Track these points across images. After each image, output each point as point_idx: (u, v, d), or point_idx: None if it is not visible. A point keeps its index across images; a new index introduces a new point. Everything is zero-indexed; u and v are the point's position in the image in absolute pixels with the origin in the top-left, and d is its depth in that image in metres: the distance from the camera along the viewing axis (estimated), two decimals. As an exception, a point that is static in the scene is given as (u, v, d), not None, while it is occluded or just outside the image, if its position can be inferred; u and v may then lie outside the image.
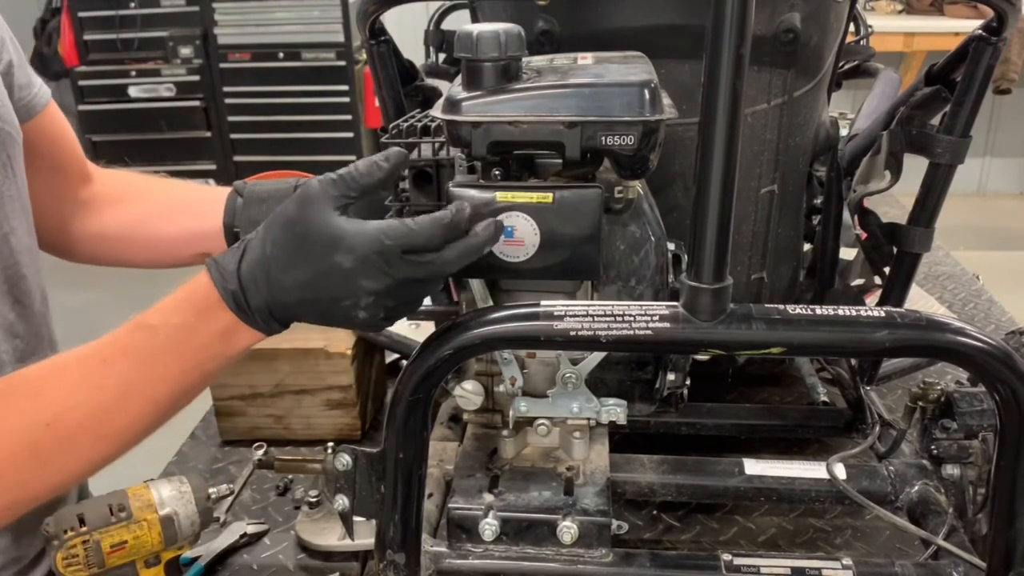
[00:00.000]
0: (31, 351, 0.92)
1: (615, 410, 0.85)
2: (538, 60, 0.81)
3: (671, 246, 0.86)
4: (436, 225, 0.66)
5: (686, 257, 0.84)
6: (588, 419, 0.86)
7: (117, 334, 0.71)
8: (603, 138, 0.71)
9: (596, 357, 0.83)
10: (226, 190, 0.99)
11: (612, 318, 0.66)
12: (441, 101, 0.75)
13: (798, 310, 0.66)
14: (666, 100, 0.74)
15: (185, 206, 1.01)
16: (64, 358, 0.72)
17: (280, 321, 0.70)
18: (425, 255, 0.66)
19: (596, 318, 0.66)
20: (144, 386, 0.70)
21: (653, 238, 0.82)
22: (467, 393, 0.88)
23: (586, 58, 0.81)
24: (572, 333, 0.66)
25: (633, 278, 0.82)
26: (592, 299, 0.83)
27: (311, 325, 0.71)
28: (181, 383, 0.71)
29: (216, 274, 0.69)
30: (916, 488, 0.90)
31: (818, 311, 0.66)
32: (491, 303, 0.83)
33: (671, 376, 0.88)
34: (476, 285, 0.84)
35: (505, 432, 0.89)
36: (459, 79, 0.76)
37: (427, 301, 0.98)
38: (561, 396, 0.84)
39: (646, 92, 0.71)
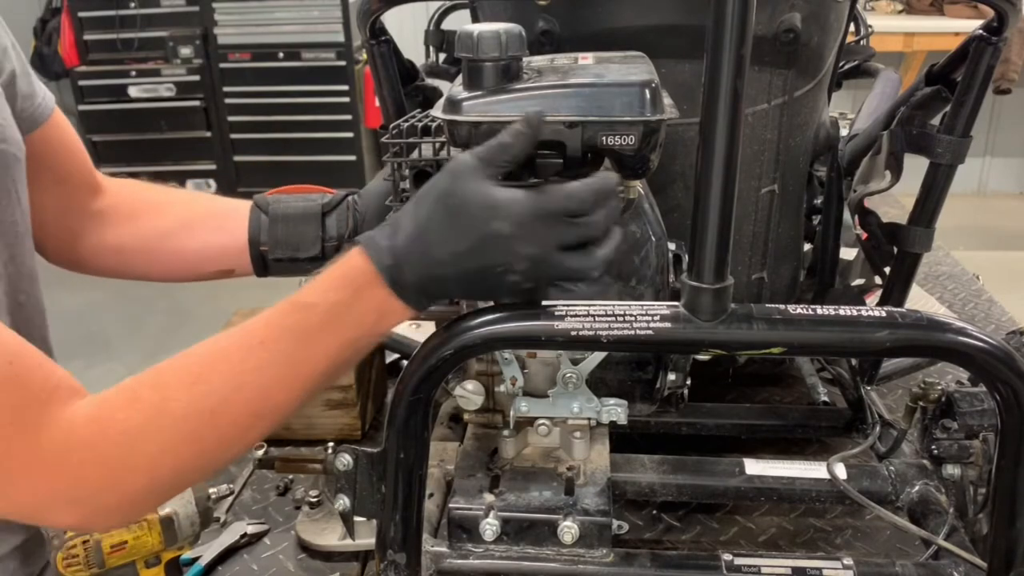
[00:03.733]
0: None
1: (616, 410, 0.84)
2: (539, 60, 0.81)
3: (672, 246, 0.86)
4: (588, 190, 0.68)
5: (687, 257, 0.84)
6: (589, 419, 0.86)
7: (272, 315, 0.72)
8: (604, 138, 0.71)
9: (597, 357, 0.83)
10: (247, 204, 0.99)
11: (613, 318, 0.66)
12: (442, 101, 0.75)
13: (799, 310, 0.66)
14: (667, 100, 0.74)
15: (207, 221, 1.01)
16: (219, 343, 0.72)
17: (431, 296, 0.71)
18: (579, 218, 0.68)
19: (597, 318, 0.66)
20: (303, 365, 0.71)
21: (654, 238, 0.82)
22: (468, 393, 0.88)
23: (587, 58, 0.81)
24: (573, 333, 0.66)
25: (634, 278, 0.82)
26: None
27: None
28: (337, 360, 0.72)
29: (373, 252, 0.69)
30: (917, 488, 0.90)
31: (819, 311, 0.66)
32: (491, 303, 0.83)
33: (672, 376, 0.88)
34: None
35: (506, 432, 0.89)
36: (460, 79, 0.76)
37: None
38: (562, 396, 0.84)
39: (647, 92, 0.71)
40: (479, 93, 0.73)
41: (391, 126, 0.87)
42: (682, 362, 0.88)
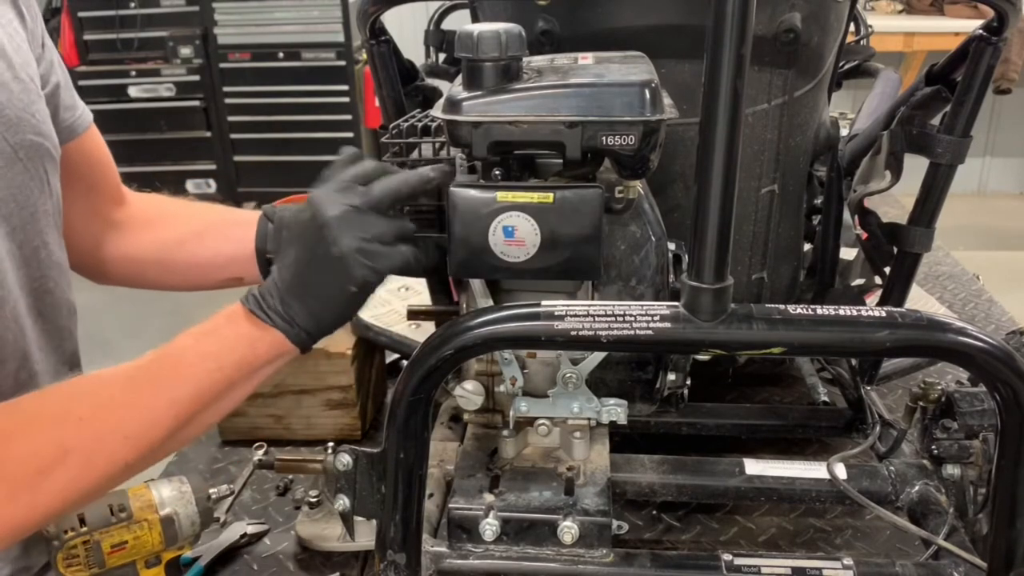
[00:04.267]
0: (51, 367, 0.92)
1: (615, 410, 0.84)
2: (539, 60, 0.81)
3: (672, 246, 0.86)
4: (395, 184, 0.76)
5: (687, 257, 0.84)
6: (588, 419, 0.86)
7: (162, 352, 0.76)
8: (604, 138, 0.71)
9: (597, 357, 0.83)
10: (256, 214, 1.01)
11: (613, 318, 0.66)
12: (442, 101, 0.75)
13: (799, 310, 0.66)
14: (667, 100, 0.74)
15: (217, 230, 1.03)
16: (96, 374, 0.76)
17: (285, 319, 0.75)
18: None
19: (597, 318, 0.66)
20: (168, 389, 0.73)
21: (654, 238, 0.82)
22: (467, 393, 0.88)
23: (587, 58, 0.81)
24: (573, 333, 0.66)
25: (634, 278, 0.82)
26: (593, 299, 0.83)
27: None
28: (203, 384, 0.74)
29: (250, 296, 0.76)
30: (917, 488, 0.90)
31: (819, 311, 0.66)
32: (492, 303, 0.83)
33: (672, 376, 0.88)
34: (476, 285, 0.83)
35: (505, 432, 0.89)
36: (459, 79, 0.76)
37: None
38: (562, 396, 0.84)
39: (647, 92, 0.71)
40: (479, 93, 0.73)
41: (391, 126, 0.87)
42: (682, 362, 0.88)
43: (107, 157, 1.04)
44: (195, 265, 1.02)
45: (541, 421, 0.87)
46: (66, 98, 0.95)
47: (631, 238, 0.82)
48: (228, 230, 1.01)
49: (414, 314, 1.12)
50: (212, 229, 1.03)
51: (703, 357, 0.78)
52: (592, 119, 0.70)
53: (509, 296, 0.84)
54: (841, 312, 0.65)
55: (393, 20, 1.10)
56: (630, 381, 0.88)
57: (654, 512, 1.06)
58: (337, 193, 0.77)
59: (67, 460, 0.70)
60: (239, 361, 0.75)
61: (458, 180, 0.77)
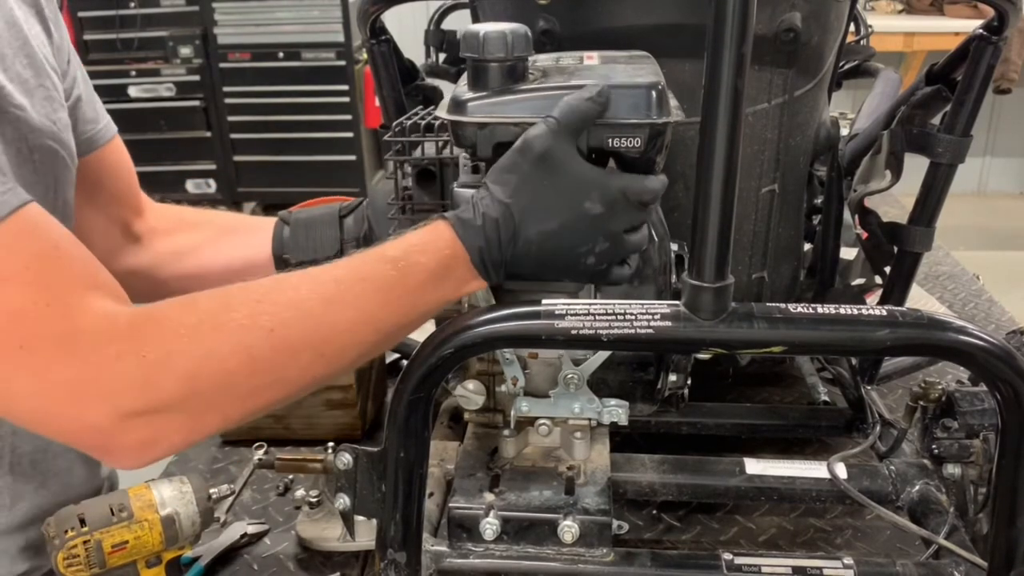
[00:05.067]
0: None
1: (617, 411, 0.84)
2: (544, 59, 0.81)
3: (674, 247, 0.85)
4: (659, 184, 0.72)
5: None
6: (589, 419, 0.86)
7: (352, 260, 0.73)
8: (609, 140, 0.71)
9: (600, 358, 0.83)
10: (272, 220, 1.01)
11: (613, 316, 0.66)
12: (446, 101, 0.75)
13: (799, 309, 0.66)
14: (673, 102, 0.74)
15: (233, 236, 1.03)
16: (291, 276, 0.73)
17: (510, 275, 0.73)
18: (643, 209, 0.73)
19: (597, 317, 0.66)
20: (373, 313, 0.71)
21: (656, 238, 0.82)
22: (469, 393, 0.88)
23: (592, 58, 0.81)
24: (573, 332, 0.66)
25: (636, 279, 0.82)
26: (595, 299, 0.83)
27: None
28: (405, 319, 0.73)
29: (462, 230, 0.71)
30: (917, 487, 0.90)
31: (819, 310, 0.66)
32: (493, 302, 0.83)
33: (673, 377, 0.88)
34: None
35: (506, 432, 0.89)
36: (464, 79, 0.75)
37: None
38: (563, 396, 0.84)
39: (654, 94, 0.71)
40: (484, 94, 0.72)
41: (394, 124, 0.87)
42: (683, 362, 0.88)
43: (128, 170, 1.05)
44: (212, 272, 1.02)
45: (542, 421, 0.87)
46: (88, 111, 0.96)
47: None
48: (244, 236, 1.02)
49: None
50: (228, 235, 1.04)
51: (704, 356, 0.78)
52: (598, 121, 0.70)
53: (512, 296, 0.84)
54: (842, 311, 0.66)
55: (393, 20, 1.10)
56: (631, 382, 0.88)
57: (654, 512, 1.06)
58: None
59: (255, 367, 0.68)
60: (443, 300, 0.73)
61: (461, 180, 0.77)
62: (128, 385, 0.66)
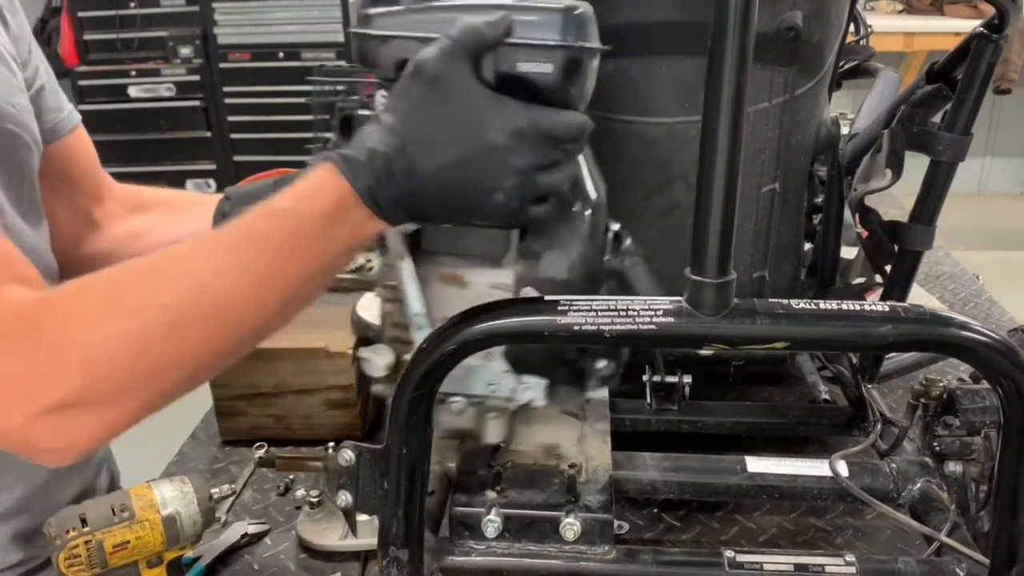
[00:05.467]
0: None
1: (534, 389, 0.79)
2: None
3: (615, 226, 0.81)
4: (579, 122, 0.67)
5: (628, 240, 0.81)
6: (506, 398, 0.80)
7: (244, 219, 0.68)
8: (518, 64, 0.65)
9: None
10: (219, 196, 1.01)
11: (616, 312, 0.66)
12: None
13: (801, 304, 0.66)
14: (595, 37, 0.69)
15: (185, 215, 1.04)
16: (185, 245, 0.69)
17: (412, 215, 0.68)
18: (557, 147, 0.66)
19: (600, 312, 0.66)
20: (270, 273, 0.67)
21: (582, 203, 0.77)
22: (371, 356, 0.81)
23: None
24: (576, 327, 0.66)
25: (558, 245, 0.77)
26: (519, 266, 0.78)
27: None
28: (310, 272, 0.68)
29: (346, 169, 0.65)
30: (918, 485, 0.90)
31: (822, 305, 0.66)
32: (409, 260, 0.78)
33: (601, 363, 0.81)
34: (395, 241, 0.78)
35: None
36: None
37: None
38: (476, 369, 0.78)
39: (570, 17, 0.66)
40: (395, 9, 0.68)
41: (317, 66, 0.82)
42: (614, 350, 0.82)
43: (92, 159, 1.05)
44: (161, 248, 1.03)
45: (454, 398, 0.81)
46: (51, 100, 0.96)
47: (560, 202, 0.75)
48: (196, 214, 1.01)
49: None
50: (181, 214, 1.04)
51: (706, 352, 0.78)
52: (506, 42, 0.65)
53: (430, 258, 0.78)
54: (844, 307, 0.66)
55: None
56: (550, 360, 0.81)
57: (654, 511, 1.06)
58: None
59: (153, 348, 0.64)
60: (345, 247, 0.69)
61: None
62: (32, 381, 0.63)
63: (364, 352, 0.82)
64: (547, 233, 0.77)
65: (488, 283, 0.78)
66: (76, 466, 1.01)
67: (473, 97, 0.64)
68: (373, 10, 0.68)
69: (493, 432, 0.85)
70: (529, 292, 0.77)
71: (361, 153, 0.65)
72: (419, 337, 0.79)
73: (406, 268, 0.78)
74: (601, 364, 0.81)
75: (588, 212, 0.77)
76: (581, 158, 0.78)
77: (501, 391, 0.79)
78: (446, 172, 0.64)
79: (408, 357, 0.77)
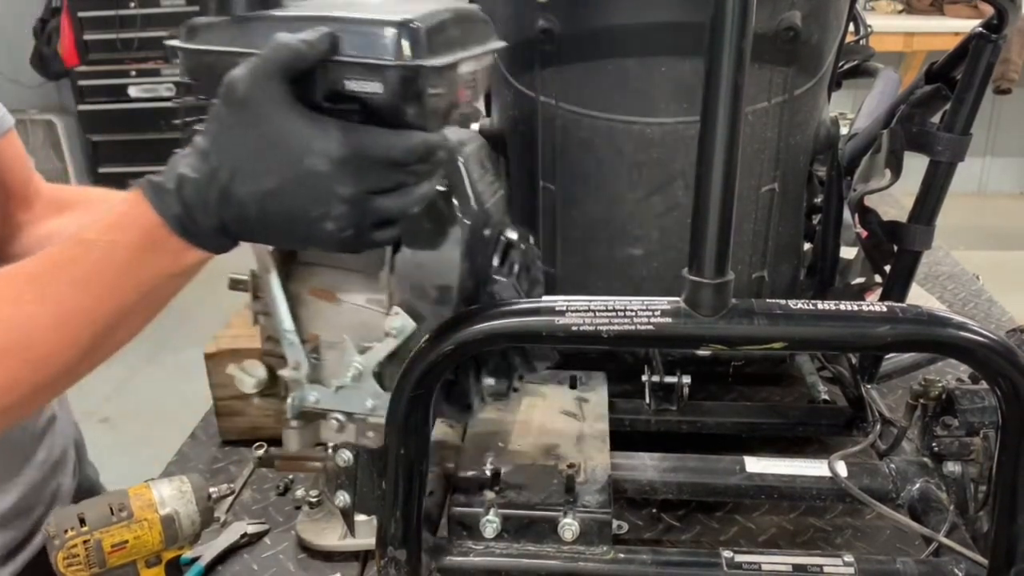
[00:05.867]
0: None
1: None
2: None
3: (513, 235, 0.76)
4: (412, 140, 0.61)
5: (526, 245, 0.76)
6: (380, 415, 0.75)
7: (52, 250, 0.65)
8: (345, 83, 0.60)
9: (387, 346, 0.73)
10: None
11: (613, 313, 0.66)
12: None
13: (800, 305, 0.66)
14: (445, 50, 0.63)
15: (97, 210, 1.03)
16: None
17: (236, 238, 0.64)
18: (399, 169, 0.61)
19: (597, 313, 0.66)
20: (78, 305, 0.64)
21: (466, 218, 0.72)
22: (240, 374, 0.78)
23: None
24: (574, 328, 0.66)
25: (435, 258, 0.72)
26: (391, 275, 0.73)
27: None
28: (126, 303, 0.65)
29: (154, 197, 0.62)
30: (917, 485, 0.90)
31: (820, 306, 0.66)
32: (275, 274, 0.75)
33: (489, 381, 0.77)
34: (262, 254, 0.74)
35: (294, 423, 0.79)
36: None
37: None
38: (349, 389, 0.74)
39: (404, 31, 0.60)
40: (223, 19, 0.64)
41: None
42: (503, 365, 0.77)
43: (22, 162, 1.04)
44: None
45: (334, 415, 0.77)
46: None
47: (438, 215, 0.72)
48: (104, 208, 1.01)
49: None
50: (94, 212, 1.02)
51: (704, 353, 0.78)
52: (334, 59, 0.59)
53: (307, 269, 0.75)
54: (842, 307, 0.66)
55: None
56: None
57: (653, 511, 1.06)
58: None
59: None
60: (160, 276, 0.65)
61: None
62: None
63: (233, 369, 0.79)
64: (424, 244, 0.72)
65: (362, 299, 0.75)
66: (43, 461, 1.01)
67: (287, 120, 0.59)
68: (199, 19, 0.64)
69: (292, 441, 0.80)
70: (397, 312, 0.72)
71: (170, 180, 0.62)
72: (291, 353, 0.75)
73: (273, 282, 0.74)
74: (490, 382, 0.77)
75: (468, 223, 0.72)
76: (464, 166, 0.73)
77: (381, 411, 0.74)
78: (265, 200, 0.60)
79: (283, 374, 0.76)
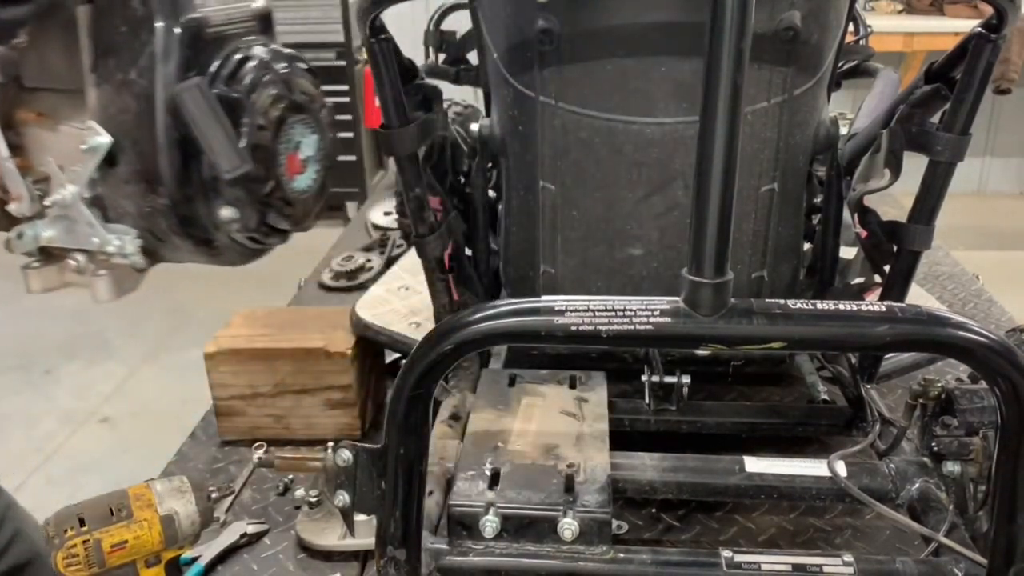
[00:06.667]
0: None
1: (124, 239, 0.71)
2: None
3: (260, 52, 0.75)
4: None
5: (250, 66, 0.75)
6: (109, 252, 0.72)
7: None
8: None
9: (88, 166, 0.68)
10: None
11: (613, 312, 0.66)
12: None
13: (799, 305, 0.66)
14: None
15: None
16: None
17: None
18: None
19: (597, 313, 0.66)
20: None
21: (162, 19, 0.69)
22: None
23: None
24: (573, 328, 0.66)
25: (133, 69, 0.69)
26: (94, 89, 0.69)
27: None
28: None
29: None
30: (917, 485, 0.90)
31: (819, 306, 0.66)
32: None
33: (227, 212, 0.74)
34: None
35: (36, 263, 0.74)
36: None
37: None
38: (72, 221, 0.70)
39: None
40: None
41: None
42: (242, 196, 0.74)
43: None
44: None
45: (72, 254, 0.73)
46: None
47: (131, 18, 0.68)
48: None
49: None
50: None
51: (703, 353, 0.78)
52: None
53: (29, 95, 0.71)
54: (841, 307, 0.65)
55: (392, 20, 1.10)
56: (149, 208, 0.72)
57: (653, 511, 1.06)
58: None
59: None
60: None
61: None
62: None
63: None
64: (120, 49, 0.68)
65: (78, 122, 0.70)
66: None
67: None
68: None
69: (102, 291, 0.76)
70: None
71: None
72: (13, 185, 0.70)
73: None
74: (228, 213, 0.74)
75: (163, 24, 0.68)
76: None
77: (109, 246, 0.70)
78: None
79: (11, 208, 0.70)
